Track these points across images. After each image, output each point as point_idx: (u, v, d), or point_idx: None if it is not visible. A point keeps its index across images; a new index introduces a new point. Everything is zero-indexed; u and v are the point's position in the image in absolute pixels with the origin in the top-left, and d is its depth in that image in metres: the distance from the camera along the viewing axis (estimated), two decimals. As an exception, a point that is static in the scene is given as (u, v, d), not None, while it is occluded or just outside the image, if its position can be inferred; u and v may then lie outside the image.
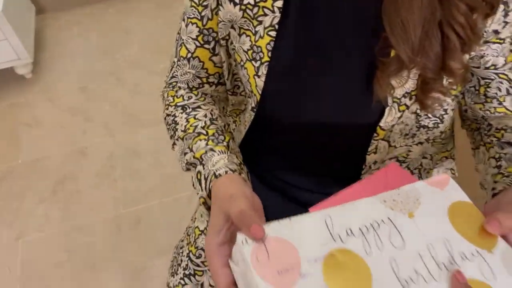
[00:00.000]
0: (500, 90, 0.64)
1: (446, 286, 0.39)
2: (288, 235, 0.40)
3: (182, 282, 0.78)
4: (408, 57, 0.53)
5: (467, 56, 0.58)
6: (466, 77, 0.61)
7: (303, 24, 0.57)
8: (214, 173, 0.54)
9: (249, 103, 0.65)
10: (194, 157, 0.59)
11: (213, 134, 0.61)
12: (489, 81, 0.63)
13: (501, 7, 0.56)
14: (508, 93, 0.64)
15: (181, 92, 0.67)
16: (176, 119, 0.64)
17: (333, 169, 0.70)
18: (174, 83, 0.68)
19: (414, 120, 0.62)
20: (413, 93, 0.58)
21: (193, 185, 0.58)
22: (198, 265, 0.78)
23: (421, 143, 0.67)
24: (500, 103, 0.65)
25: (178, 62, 0.66)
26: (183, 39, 0.64)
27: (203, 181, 0.56)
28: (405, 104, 0.59)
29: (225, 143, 0.60)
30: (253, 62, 0.60)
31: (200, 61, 0.65)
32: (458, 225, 0.44)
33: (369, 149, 0.63)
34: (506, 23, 0.58)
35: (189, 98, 0.67)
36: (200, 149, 0.59)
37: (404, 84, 0.57)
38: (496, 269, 0.41)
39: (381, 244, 0.41)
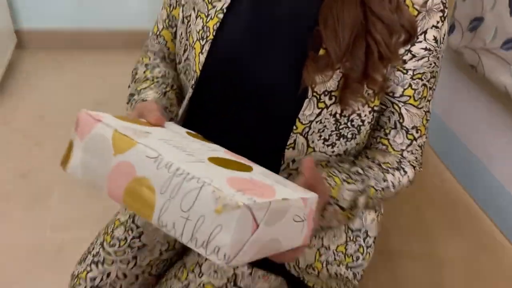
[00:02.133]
0: (389, 120, 0.70)
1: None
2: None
3: (88, 268, 0.74)
4: (335, 55, 0.60)
5: (385, 71, 0.65)
6: (384, 88, 0.67)
7: (249, 11, 0.65)
8: (143, 99, 0.66)
9: (190, 84, 0.69)
10: (135, 89, 0.70)
11: (158, 82, 0.72)
12: (384, 107, 0.70)
13: (420, 37, 0.65)
14: (395, 126, 0.70)
15: (149, 54, 0.81)
16: (137, 71, 0.79)
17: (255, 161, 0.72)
18: (146, 50, 0.82)
19: (334, 126, 0.66)
20: (333, 93, 0.63)
21: (127, 109, 0.68)
22: (109, 254, 0.74)
23: (339, 154, 0.70)
24: (386, 134, 0.71)
25: (151, 36, 0.81)
26: (157, 19, 0.79)
27: (133, 104, 0.68)
28: (324, 102, 0.64)
29: (163, 90, 0.68)
30: (200, 41, 0.65)
31: (164, 40, 0.79)
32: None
33: (288, 142, 0.66)
34: (413, 56, 0.66)
35: (154, 59, 0.80)
36: (142, 87, 0.70)
37: (326, 81, 0.62)
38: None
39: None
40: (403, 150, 0.72)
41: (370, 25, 0.61)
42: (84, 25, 2.21)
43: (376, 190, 0.68)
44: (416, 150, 0.73)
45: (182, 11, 0.72)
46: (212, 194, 0.38)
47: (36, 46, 2.18)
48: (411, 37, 0.64)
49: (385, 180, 0.69)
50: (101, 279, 0.72)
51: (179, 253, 0.80)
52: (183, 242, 0.40)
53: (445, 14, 0.67)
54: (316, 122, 0.65)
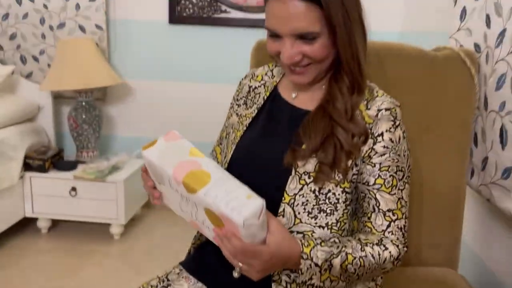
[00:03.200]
0: (369, 205, 0.89)
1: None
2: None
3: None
4: (308, 150, 0.87)
5: (350, 162, 0.88)
6: (348, 174, 0.88)
7: (261, 125, 0.97)
8: None
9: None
10: None
11: None
12: (363, 195, 0.90)
13: (378, 138, 0.88)
14: (373, 210, 0.89)
15: None
16: None
17: None
18: None
19: (315, 200, 0.88)
20: (311, 174, 0.87)
21: None
22: None
23: (322, 227, 0.89)
24: (368, 218, 0.89)
25: (211, 152, 1.13)
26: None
27: None
28: (305, 180, 0.88)
29: None
30: (232, 145, 0.98)
31: (215, 152, 1.12)
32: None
33: (279, 210, 0.88)
34: (376, 152, 0.89)
35: None
36: None
37: (304, 165, 0.88)
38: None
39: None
40: (384, 231, 0.87)
41: (335, 130, 0.88)
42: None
43: (354, 257, 0.83)
44: (396, 231, 0.88)
45: (226, 131, 1.08)
46: (245, 191, 0.75)
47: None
48: (366, 138, 0.89)
49: (362, 250, 0.84)
50: None
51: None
52: (216, 203, 0.73)
53: (396, 123, 0.90)
54: (299, 195, 0.88)
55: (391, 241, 0.86)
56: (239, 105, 1.06)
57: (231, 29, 2.46)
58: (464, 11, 1.36)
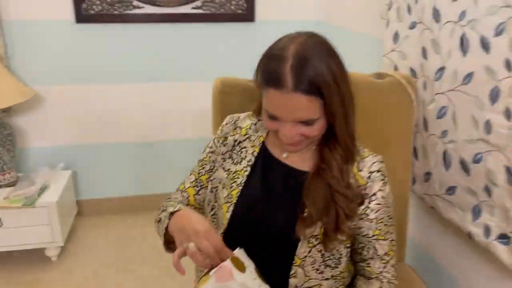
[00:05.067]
0: (368, 253, 1.03)
1: None
2: None
3: None
4: (315, 215, 0.95)
5: (351, 223, 0.99)
6: (352, 235, 1.01)
7: (259, 184, 1.02)
8: (178, 209, 0.98)
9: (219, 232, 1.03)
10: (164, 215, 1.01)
11: (182, 203, 1.05)
12: (363, 245, 1.03)
13: (372, 197, 1.00)
14: (372, 257, 1.02)
15: (172, 203, 1.09)
16: (166, 204, 1.07)
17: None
18: (169, 200, 1.12)
19: (321, 258, 0.98)
20: (317, 236, 0.97)
21: (159, 228, 1.02)
22: None
23: (327, 279, 1.00)
24: (368, 264, 1.03)
25: (177, 191, 1.14)
26: (184, 181, 1.14)
27: (167, 217, 0.97)
28: (312, 243, 0.97)
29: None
30: (227, 204, 1.01)
31: (187, 194, 1.13)
32: None
33: (291, 272, 0.97)
34: (372, 210, 1.01)
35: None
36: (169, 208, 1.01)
37: (312, 232, 0.96)
38: None
39: None
40: (381, 272, 1.02)
41: (336, 198, 0.97)
42: (132, 193, 2.67)
43: None
44: (390, 269, 1.04)
45: (211, 183, 1.09)
46: None
47: (90, 214, 2.61)
48: (362, 202, 1.00)
49: None
50: None
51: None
52: None
53: (385, 180, 1.03)
54: (308, 257, 0.97)
55: (388, 280, 1.02)
56: (224, 159, 1.08)
57: (146, 25, 2.34)
58: (397, 35, 1.51)
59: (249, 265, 0.89)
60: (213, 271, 0.83)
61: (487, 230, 1.18)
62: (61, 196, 2.15)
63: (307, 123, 0.90)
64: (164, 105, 2.50)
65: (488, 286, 1.29)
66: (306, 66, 0.84)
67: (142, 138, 2.54)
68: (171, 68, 2.44)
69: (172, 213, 0.96)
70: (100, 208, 2.61)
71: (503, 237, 1.13)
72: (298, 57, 0.85)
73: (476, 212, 1.21)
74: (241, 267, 0.85)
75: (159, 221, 1.03)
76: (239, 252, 0.88)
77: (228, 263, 0.83)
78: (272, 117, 0.91)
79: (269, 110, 0.91)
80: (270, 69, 0.87)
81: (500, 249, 1.14)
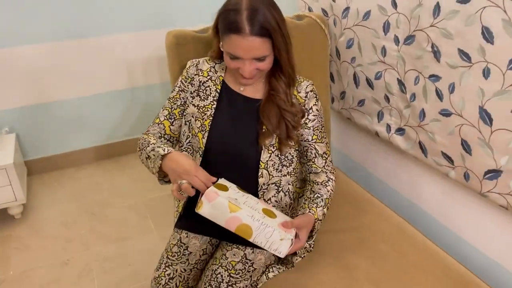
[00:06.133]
0: (311, 153, 1.38)
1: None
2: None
3: (164, 269, 1.32)
4: (271, 129, 1.28)
5: (297, 132, 1.34)
6: (298, 141, 1.36)
7: (226, 112, 1.32)
8: (167, 151, 1.23)
9: (197, 155, 1.34)
10: (152, 147, 1.26)
11: (163, 143, 1.31)
12: (306, 148, 1.39)
13: (310, 111, 1.34)
14: (315, 156, 1.38)
15: (150, 134, 1.35)
16: (144, 141, 1.30)
17: (242, 186, 1.34)
18: (147, 132, 1.37)
19: (278, 161, 1.33)
20: (274, 145, 1.31)
21: (149, 163, 1.27)
22: (173, 260, 1.33)
23: (285, 175, 1.37)
24: (313, 162, 1.40)
25: (153, 124, 1.38)
26: (158, 115, 1.38)
27: (159, 157, 1.22)
28: (271, 150, 1.31)
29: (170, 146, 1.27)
30: (202, 132, 1.31)
31: (164, 126, 1.37)
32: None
33: (258, 174, 1.31)
34: (310, 120, 1.36)
35: (154, 137, 1.34)
36: (157, 145, 1.27)
37: (270, 141, 1.30)
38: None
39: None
40: (323, 166, 1.39)
41: (284, 114, 1.30)
42: (80, 147, 2.80)
43: (328, 198, 1.33)
44: (329, 164, 1.40)
45: (184, 118, 1.36)
46: (279, 233, 1.08)
47: (40, 172, 2.73)
48: (303, 115, 1.35)
49: (328, 191, 1.34)
50: (173, 274, 1.30)
51: (211, 255, 1.39)
52: (262, 247, 1.09)
53: (317, 97, 1.38)
54: (269, 160, 1.31)
55: (330, 171, 1.41)
56: (193, 97, 1.36)
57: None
58: (309, -19, 1.82)
59: (231, 186, 1.19)
60: (203, 197, 1.09)
61: (388, 127, 1.62)
62: (14, 157, 2.26)
63: (261, 59, 1.19)
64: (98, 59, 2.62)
65: (390, 168, 1.76)
66: (258, 15, 1.12)
67: (83, 92, 2.66)
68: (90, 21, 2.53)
69: (163, 156, 1.22)
70: (48, 165, 2.74)
71: (399, 130, 1.58)
72: (251, 9, 1.13)
73: (380, 115, 1.64)
74: (224, 188, 1.14)
75: (148, 157, 1.28)
76: (221, 180, 1.19)
77: (211, 188, 1.11)
78: (234, 58, 1.19)
79: (231, 52, 1.18)
80: (231, 19, 1.14)
81: (398, 139, 1.59)
